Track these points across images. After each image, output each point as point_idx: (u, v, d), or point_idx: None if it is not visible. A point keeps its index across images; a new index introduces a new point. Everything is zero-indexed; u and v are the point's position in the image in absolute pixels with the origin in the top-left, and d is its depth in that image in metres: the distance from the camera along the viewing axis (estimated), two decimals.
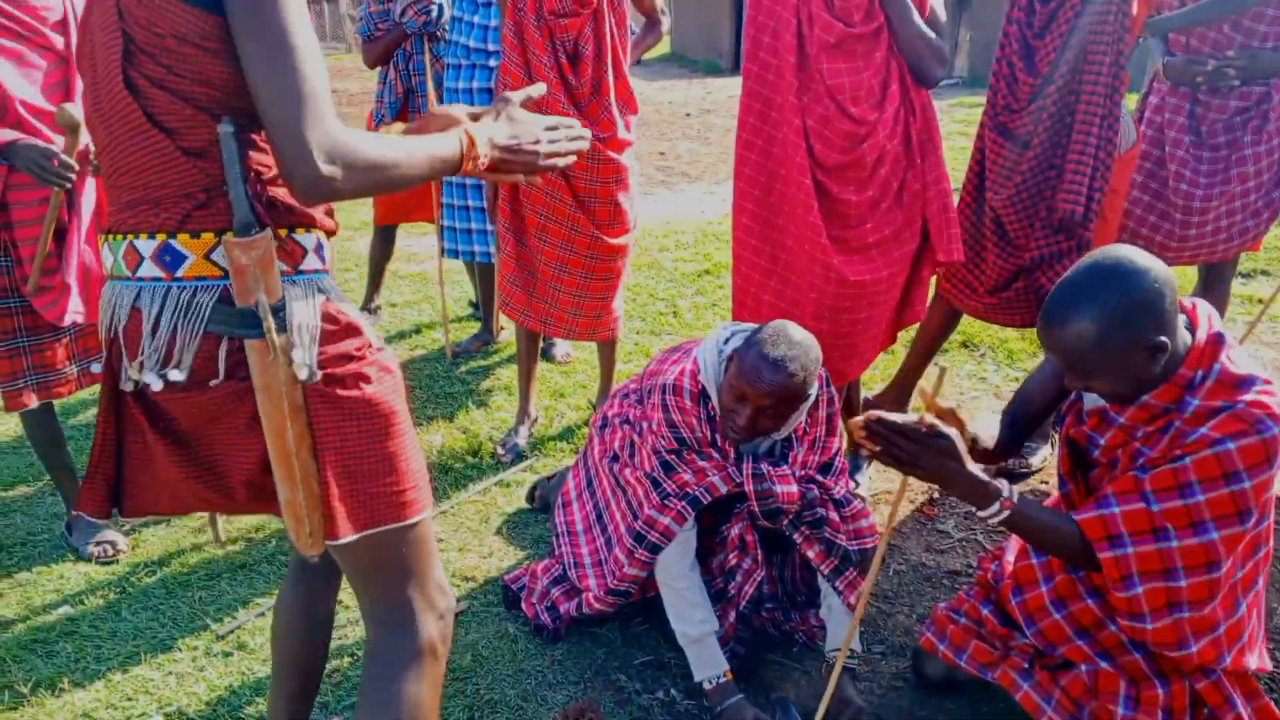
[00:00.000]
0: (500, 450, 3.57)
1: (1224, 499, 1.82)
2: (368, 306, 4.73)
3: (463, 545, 3.06)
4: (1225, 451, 1.78)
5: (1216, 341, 1.86)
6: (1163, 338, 1.77)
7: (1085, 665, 2.10)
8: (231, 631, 2.66)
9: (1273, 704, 2.08)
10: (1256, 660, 2.00)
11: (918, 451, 1.87)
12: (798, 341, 2.26)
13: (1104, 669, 2.07)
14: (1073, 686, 2.12)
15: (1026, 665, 2.20)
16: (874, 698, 2.46)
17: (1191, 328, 1.89)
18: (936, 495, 3.33)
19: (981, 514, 1.94)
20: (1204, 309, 1.94)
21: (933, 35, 2.72)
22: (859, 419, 1.89)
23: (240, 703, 2.40)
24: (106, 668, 2.52)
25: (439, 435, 3.72)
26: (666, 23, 3.77)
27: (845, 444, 2.83)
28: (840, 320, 2.78)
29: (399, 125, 1.64)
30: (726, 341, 2.42)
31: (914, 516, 3.21)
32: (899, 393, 3.80)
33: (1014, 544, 2.46)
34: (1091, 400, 2.08)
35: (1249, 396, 1.79)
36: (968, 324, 4.52)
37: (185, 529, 3.14)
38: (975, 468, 1.91)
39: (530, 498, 3.28)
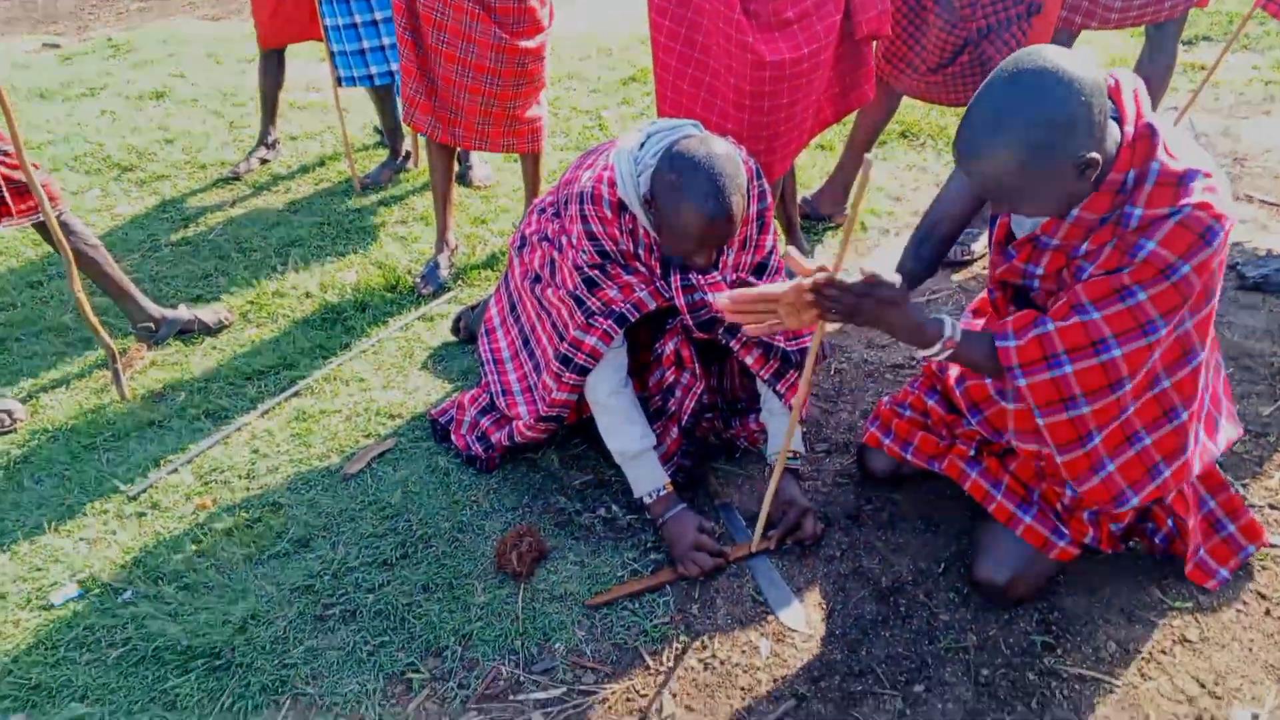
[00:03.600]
0: (420, 283, 3.36)
1: (1182, 319, 1.72)
2: (265, 140, 4.36)
3: (386, 382, 2.90)
4: (1182, 279, 1.63)
5: (1149, 135, 1.65)
6: (1093, 154, 1.58)
7: None
8: (143, 491, 2.50)
9: (1239, 496, 2.04)
10: (1216, 445, 1.91)
11: (858, 304, 1.72)
12: (722, 172, 1.99)
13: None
14: (1022, 470, 2.06)
15: (973, 453, 2.13)
16: (819, 496, 2.41)
17: (1119, 117, 1.67)
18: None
19: (923, 354, 1.82)
20: (1128, 88, 1.70)
21: None
22: (807, 281, 1.73)
23: (156, 563, 2.27)
24: (11, 540, 2.37)
25: (353, 272, 3.49)
26: None
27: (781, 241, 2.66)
28: (761, 108, 2.54)
29: None
30: (641, 147, 2.18)
31: None
32: (837, 189, 3.62)
33: None
34: (1019, 228, 1.90)
35: (1194, 199, 1.60)
36: (906, 112, 4.31)
37: (87, 390, 2.93)
38: (916, 310, 1.77)
39: (455, 329, 3.10)
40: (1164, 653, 1.93)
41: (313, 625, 2.10)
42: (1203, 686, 1.86)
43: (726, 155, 2.03)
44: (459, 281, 3.42)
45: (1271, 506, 2.23)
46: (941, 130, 4.29)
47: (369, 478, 2.52)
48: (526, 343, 2.55)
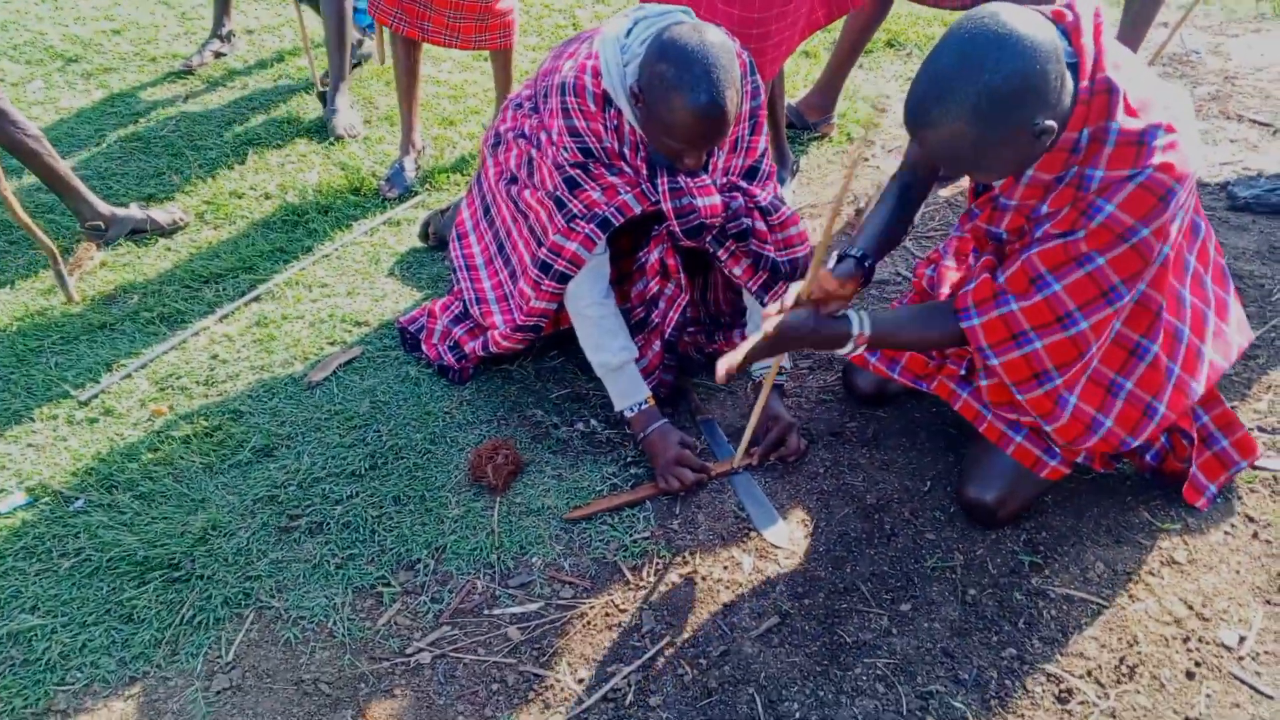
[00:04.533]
0: (384, 186, 3.20)
1: (1140, 276, 1.68)
2: (218, 32, 4.10)
3: (351, 289, 2.76)
4: (1141, 241, 1.58)
5: (1106, 92, 1.54)
6: (1049, 122, 1.49)
7: None
8: (95, 397, 2.37)
9: (1232, 410, 2.01)
10: (1202, 383, 1.87)
11: (770, 349, 1.75)
12: (717, 64, 1.84)
13: None
14: None
15: (963, 373, 2.07)
16: (802, 412, 2.34)
17: (1077, 65, 1.55)
18: (865, 207, 3.11)
19: (840, 354, 1.80)
20: (1088, 22, 1.56)
21: None
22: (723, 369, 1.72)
23: (110, 471, 2.16)
24: None
25: (314, 173, 3.31)
26: None
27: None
28: (753, 3, 2.39)
29: None
30: (628, 34, 2.03)
31: (841, 230, 3.00)
32: (824, 96, 3.49)
33: (951, 247, 2.27)
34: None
35: (1156, 160, 1.53)
36: (893, 20, 4.16)
37: (32, 291, 2.77)
38: (824, 324, 1.74)
39: (424, 234, 2.96)
40: (1152, 574, 1.90)
41: (277, 537, 2.02)
42: (1190, 608, 1.84)
43: (721, 45, 1.89)
44: (426, 185, 3.26)
45: (1260, 429, 2.20)
46: (929, 39, 4.14)
47: (335, 386, 2.41)
48: (502, 248, 2.43)
